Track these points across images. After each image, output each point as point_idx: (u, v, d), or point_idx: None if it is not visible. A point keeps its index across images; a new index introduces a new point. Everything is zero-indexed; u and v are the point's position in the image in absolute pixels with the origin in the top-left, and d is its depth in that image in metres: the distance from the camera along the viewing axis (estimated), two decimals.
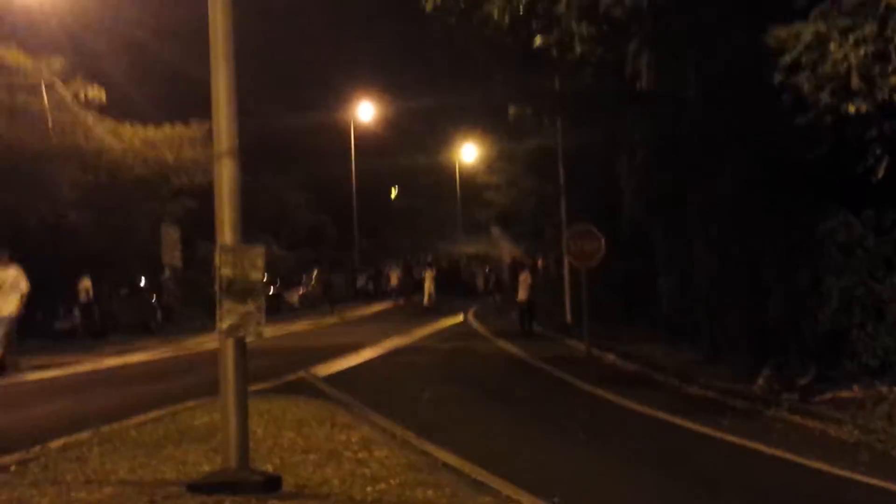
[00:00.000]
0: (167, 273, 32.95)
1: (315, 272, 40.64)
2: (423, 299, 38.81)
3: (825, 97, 10.55)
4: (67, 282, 27.58)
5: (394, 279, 44.54)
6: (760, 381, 13.31)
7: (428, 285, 38.70)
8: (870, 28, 10.16)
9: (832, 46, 10.30)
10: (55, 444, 8.67)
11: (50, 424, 10.29)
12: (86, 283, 28.21)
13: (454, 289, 48.27)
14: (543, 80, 21.42)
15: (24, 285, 16.54)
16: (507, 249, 51.45)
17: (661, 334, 19.50)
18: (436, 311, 35.66)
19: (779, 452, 9.74)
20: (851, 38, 10.20)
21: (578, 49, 14.72)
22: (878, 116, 10.76)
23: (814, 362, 13.06)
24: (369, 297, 49.51)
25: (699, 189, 17.16)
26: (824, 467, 9.03)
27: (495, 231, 55.41)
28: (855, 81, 10.10)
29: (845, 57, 10.16)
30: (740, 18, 12.85)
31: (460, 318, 32.08)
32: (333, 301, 38.87)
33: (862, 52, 10.10)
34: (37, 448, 8.40)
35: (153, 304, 31.21)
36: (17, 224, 25.59)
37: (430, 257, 53.98)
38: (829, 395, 12.09)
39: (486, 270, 48.07)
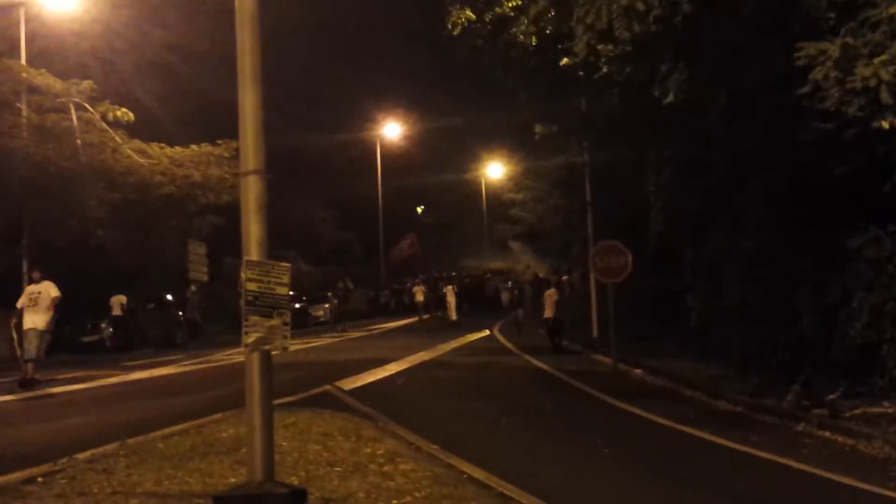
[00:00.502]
0: (193, 288, 33.16)
1: (340, 283, 40.42)
2: (447, 315, 38.54)
3: (853, 111, 10.47)
4: (95, 297, 27.83)
5: (419, 295, 44.09)
6: (789, 396, 13.18)
7: (450, 301, 38.25)
8: None
9: (859, 65, 10.23)
10: (82, 455, 8.69)
11: (77, 436, 10.36)
12: (120, 298, 28.52)
13: (478, 304, 48.04)
14: (570, 100, 21.46)
15: (54, 293, 16.63)
16: (529, 265, 51.24)
17: (689, 349, 19.34)
18: (460, 326, 35.49)
19: (808, 468, 9.63)
20: (879, 59, 10.13)
21: (604, 69, 14.75)
22: None
23: (843, 378, 12.93)
24: (391, 313, 49.50)
25: (728, 205, 17.07)
26: (854, 483, 8.91)
27: (516, 246, 55.26)
28: (885, 96, 10.01)
29: (874, 73, 10.09)
30: (769, 38, 12.80)
31: (486, 332, 32.03)
32: (339, 317, 38.29)
33: (892, 69, 10.01)
34: (64, 460, 8.43)
35: (179, 318, 31.43)
36: (46, 240, 25.92)
37: (454, 273, 53.68)
38: (858, 411, 11.94)
39: (510, 285, 47.59)
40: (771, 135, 14.40)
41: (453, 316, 37.68)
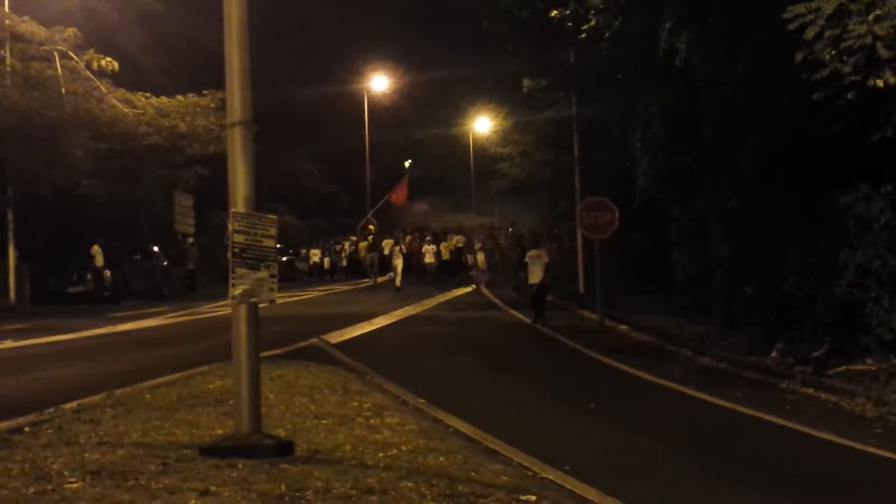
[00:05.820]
0: (190, 240, 32.97)
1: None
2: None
3: (848, 71, 10.38)
4: (81, 248, 27.69)
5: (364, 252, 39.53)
6: (774, 353, 13.28)
7: (396, 263, 32.33)
8: (893, 3, 9.99)
9: (853, 22, 10.14)
10: (69, 406, 8.67)
11: (64, 387, 10.33)
12: (94, 249, 28.26)
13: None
14: (558, 52, 21.31)
15: None
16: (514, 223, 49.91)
17: (675, 306, 19.42)
18: (402, 294, 29.28)
19: (791, 424, 9.75)
20: (872, 15, 10.04)
21: (594, 21, 14.63)
22: None
23: (828, 335, 13.00)
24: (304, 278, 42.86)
25: (717, 162, 17.03)
26: (837, 439, 9.04)
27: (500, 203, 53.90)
28: (882, 52, 9.91)
29: (869, 30, 10.00)
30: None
31: (472, 287, 32.01)
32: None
33: (887, 24, 9.93)
34: (51, 410, 8.42)
35: (165, 270, 31.20)
36: (31, 191, 25.74)
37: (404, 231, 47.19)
38: (842, 368, 12.05)
39: (479, 246, 42.04)
40: (766, 92, 14.32)
41: (399, 281, 31.50)
